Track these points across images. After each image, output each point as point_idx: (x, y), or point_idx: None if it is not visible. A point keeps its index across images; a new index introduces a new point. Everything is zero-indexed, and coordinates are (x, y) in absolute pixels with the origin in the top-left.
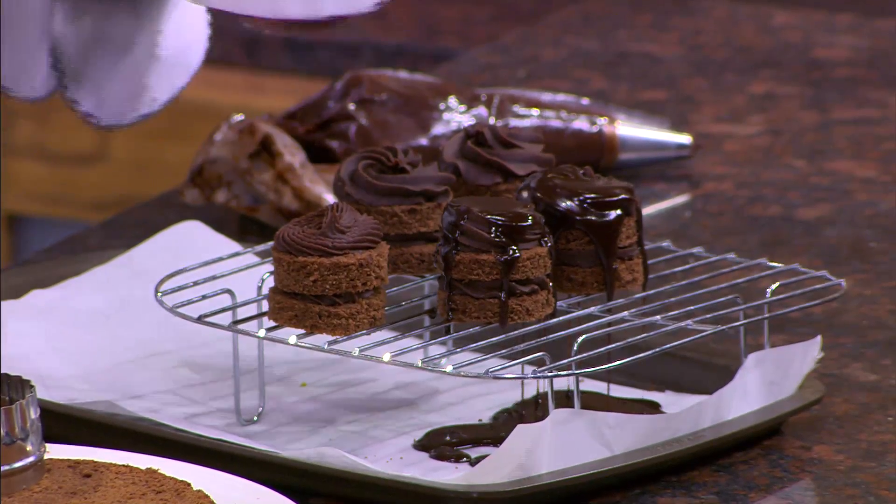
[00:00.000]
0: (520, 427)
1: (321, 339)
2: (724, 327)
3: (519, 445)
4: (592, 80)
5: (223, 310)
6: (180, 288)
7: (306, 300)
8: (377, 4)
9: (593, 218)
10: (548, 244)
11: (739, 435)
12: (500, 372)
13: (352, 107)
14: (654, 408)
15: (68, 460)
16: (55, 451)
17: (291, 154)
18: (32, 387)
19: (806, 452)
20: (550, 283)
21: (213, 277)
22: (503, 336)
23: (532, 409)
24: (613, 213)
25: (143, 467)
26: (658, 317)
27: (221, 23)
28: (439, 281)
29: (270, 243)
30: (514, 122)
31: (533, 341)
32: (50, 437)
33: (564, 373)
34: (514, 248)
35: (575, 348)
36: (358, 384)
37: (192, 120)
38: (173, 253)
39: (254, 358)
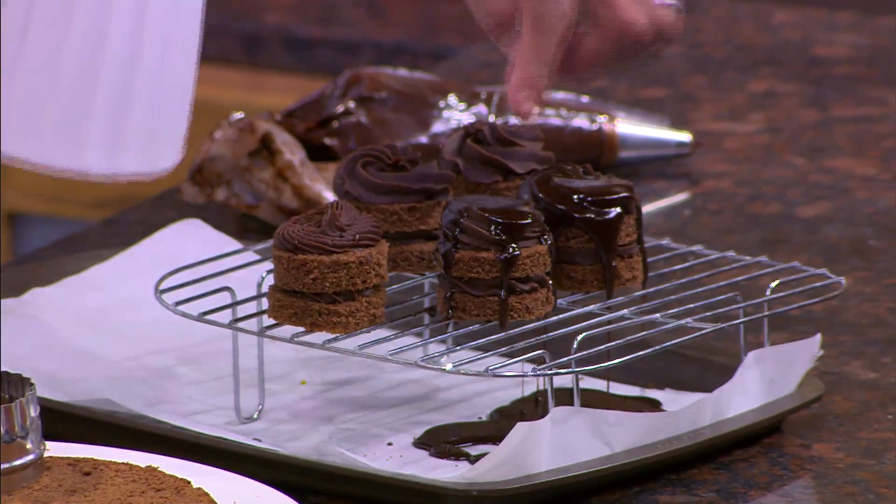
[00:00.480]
0: (519, 425)
1: (321, 336)
2: (723, 325)
3: (519, 443)
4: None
5: (223, 307)
6: (180, 286)
7: (306, 298)
8: (174, 164)
9: (593, 216)
10: (547, 242)
11: (739, 433)
12: (500, 370)
13: (352, 105)
14: (654, 406)
15: (68, 458)
16: (55, 449)
17: (291, 152)
18: (32, 385)
19: (806, 450)
20: (550, 281)
21: (213, 275)
22: (503, 334)
23: (532, 407)
24: (613, 211)
25: (142, 465)
26: (658, 315)
27: (221, 21)
28: (439, 279)
29: (270, 241)
30: (513, 120)
31: (533, 339)
32: (50, 435)
33: (564, 371)
34: (514, 245)
35: (575, 346)
36: (358, 382)
37: (191, 118)
38: (173, 251)
39: (253, 356)
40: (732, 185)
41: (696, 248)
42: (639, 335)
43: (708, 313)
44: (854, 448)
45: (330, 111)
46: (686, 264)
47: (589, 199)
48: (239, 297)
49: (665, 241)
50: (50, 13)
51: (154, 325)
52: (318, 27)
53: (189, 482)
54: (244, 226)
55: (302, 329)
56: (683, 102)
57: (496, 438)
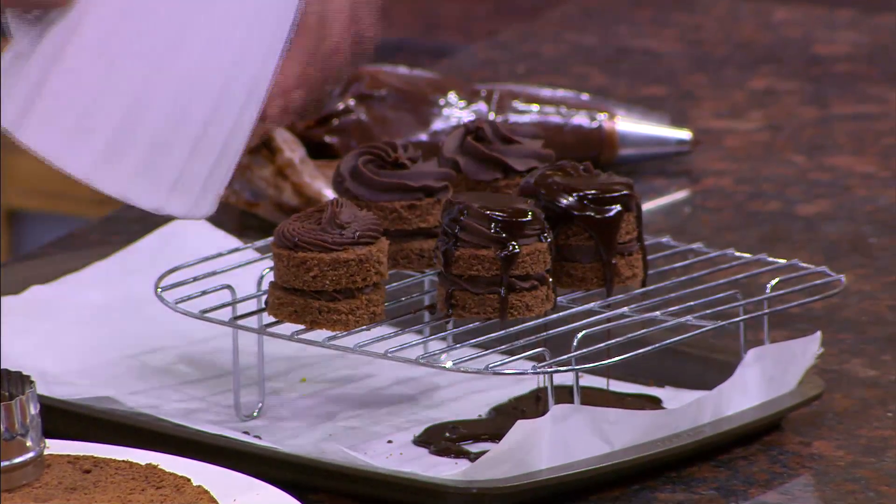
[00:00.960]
0: (520, 422)
1: (321, 334)
2: (723, 323)
3: (519, 441)
4: (592, 76)
5: (223, 305)
6: (180, 283)
7: (306, 296)
8: (208, 213)
9: (593, 213)
10: (547, 240)
11: (739, 431)
12: (500, 367)
13: (352, 102)
14: (654, 403)
15: (68, 456)
16: (55, 447)
17: (291, 150)
18: (32, 382)
19: (806, 448)
20: (550, 279)
21: (213, 273)
22: (503, 332)
23: (532, 405)
24: (613, 209)
25: (142, 463)
26: (658, 312)
27: None
28: (439, 276)
29: (270, 239)
30: (513, 118)
31: (533, 337)
32: (50, 432)
33: (564, 368)
34: (514, 243)
35: (575, 344)
36: (358, 380)
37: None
38: (173, 249)
39: (253, 353)
40: (732, 183)
41: (696, 245)
42: (639, 333)
43: (708, 311)
44: (854, 446)
45: (330, 109)
46: (686, 262)
47: (589, 196)
48: (239, 295)
49: (665, 239)
50: (155, 55)
51: (154, 322)
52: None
53: (189, 480)
54: (244, 223)
55: (302, 327)
56: (683, 100)
57: (496, 436)
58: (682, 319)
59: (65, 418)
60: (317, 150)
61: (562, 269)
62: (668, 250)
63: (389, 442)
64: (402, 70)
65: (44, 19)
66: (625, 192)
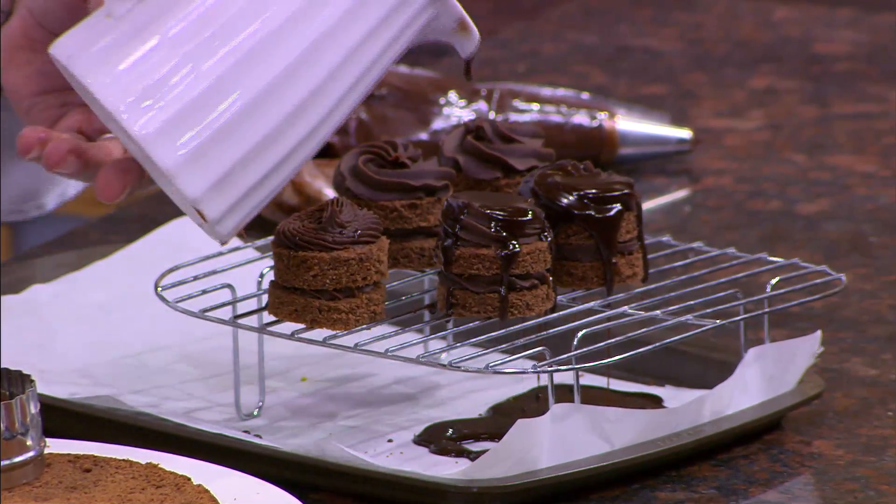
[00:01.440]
0: (520, 422)
1: (321, 333)
2: (724, 322)
3: (519, 440)
4: (592, 75)
5: (223, 304)
6: (180, 283)
7: (306, 295)
8: (223, 238)
9: (593, 213)
10: (548, 239)
11: (739, 430)
12: (501, 366)
13: None
14: (654, 402)
15: (68, 455)
16: (55, 446)
17: None
18: (32, 381)
19: (806, 447)
20: (550, 278)
21: (213, 272)
22: (503, 331)
23: (532, 404)
24: (613, 208)
25: (143, 462)
26: (658, 311)
27: None
28: (439, 275)
29: (270, 238)
30: (513, 117)
31: (533, 336)
32: (50, 431)
33: (565, 367)
34: (515, 242)
35: (575, 343)
36: (358, 379)
37: None
38: (173, 248)
39: (254, 353)
40: (732, 182)
41: (696, 244)
42: (639, 332)
43: (708, 310)
44: (854, 445)
45: None
46: (686, 261)
47: (589, 196)
48: (239, 294)
49: (665, 238)
50: (253, 44)
51: (154, 321)
52: None
53: (189, 479)
54: None
55: (302, 326)
56: (684, 99)
57: (496, 435)
58: (683, 318)
59: (65, 417)
60: None
61: (562, 268)
62: (668, 249)
63: (390, 441)
64: (403, 69)
65: None
66: (625, 191)
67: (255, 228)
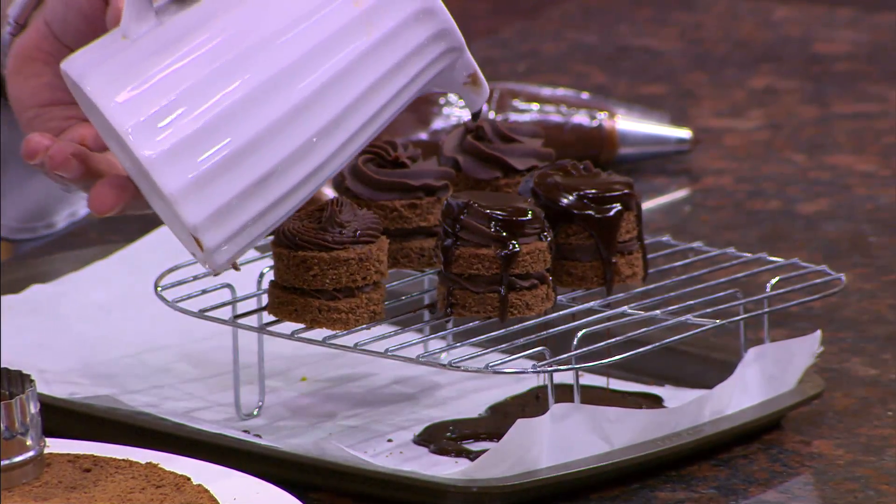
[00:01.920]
0: (520, 421)
1: (321, 333)
2: (724, 322)
3: (519, 440)
4: (592, 75)
5: (223, 304)
6: (180, 282)
7: (306, 295)
8: (216, 269)
9: (593, 212)
10: (547, 239)
11: (739, 429)
12: (500, 366)
13: None
14: (654, 402)
15: (68, 455)
16: (55, 446)
17: None
18: (32, 381)
19: (806, 447)
20: (550, 278)
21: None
22: (503, 330)
23: (532, 404)
24: (613, 208)
25: (142, 462)
26: (658, 311)
27: None
28: (439, 275)
29: (270, 238)
30: (513, 117)
31: (533, 336)
32: (50, 431)
33: (564, 367)
34: (514, 242)
35: (575, 343)
36: (358, 379)
37: None
38: (173, 248)
39: (253, 352)
40: (732, 182)
41: (696, 244)
42: (639, 332)
43: (708, 310)
44: (854, 445)
45: None
46: (686, 261)
47: (589, 195)
48: (239, 294)
49: (665, 238)
50: (268, 75)
51: (154, 321)
52: None
53: (189, 479)
54: None
55: (302, 326)
56: (683, 99)
57: (496, 435)
58: (682, 318)
59: (65, 417)
60: None
61: (562, 267)
62: (668, 249)
63: (389, 441)
64: None
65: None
66: (625, 190)
67: None
